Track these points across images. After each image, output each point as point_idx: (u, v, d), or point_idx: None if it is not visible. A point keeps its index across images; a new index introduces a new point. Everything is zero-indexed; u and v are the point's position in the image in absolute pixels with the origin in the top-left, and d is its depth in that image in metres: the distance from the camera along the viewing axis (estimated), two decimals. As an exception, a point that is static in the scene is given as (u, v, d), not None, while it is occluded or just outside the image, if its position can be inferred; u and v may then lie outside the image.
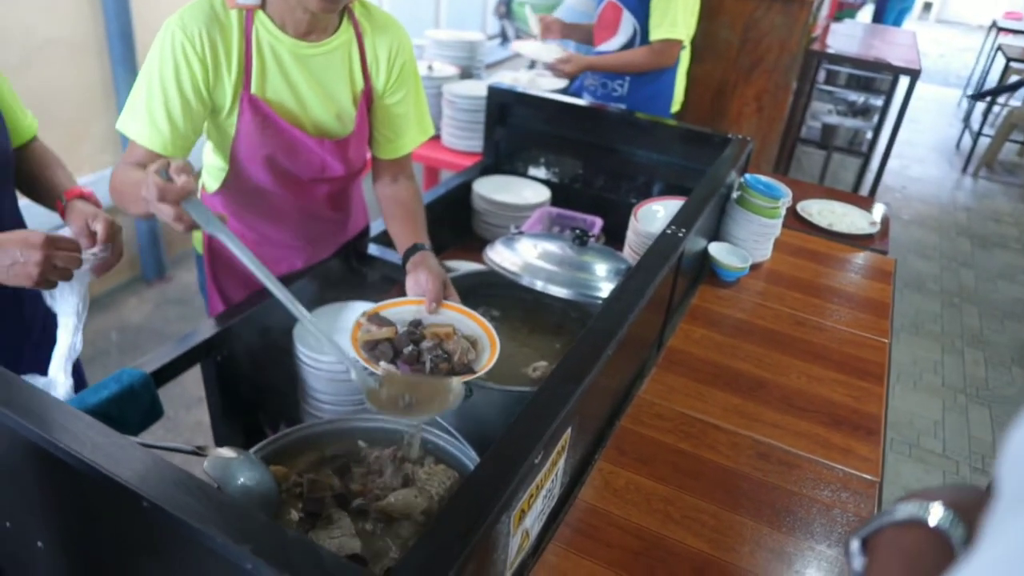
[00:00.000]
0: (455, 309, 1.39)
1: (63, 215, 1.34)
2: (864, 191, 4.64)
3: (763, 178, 1.88)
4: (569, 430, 0.98)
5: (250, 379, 1.55)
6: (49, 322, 1.31)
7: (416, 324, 1.35)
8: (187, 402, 2.72)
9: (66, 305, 1.25)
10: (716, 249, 1.80)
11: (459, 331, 1.34)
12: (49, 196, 1.38)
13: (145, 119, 1.29)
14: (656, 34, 2.61)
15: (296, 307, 1.13)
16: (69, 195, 1.34)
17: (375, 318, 1.35)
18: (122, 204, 1.28)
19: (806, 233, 2.15)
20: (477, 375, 1.21)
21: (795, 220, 2.22)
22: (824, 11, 4.25)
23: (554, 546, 1.03)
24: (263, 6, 1.33)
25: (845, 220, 2.25)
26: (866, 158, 4.79)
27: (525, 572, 0.99)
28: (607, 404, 1.27)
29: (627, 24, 2.71)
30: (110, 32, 2.99)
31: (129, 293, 3.44)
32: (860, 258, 2.04)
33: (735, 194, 1.89)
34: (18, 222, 1.41)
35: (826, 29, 4.63)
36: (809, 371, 1.50)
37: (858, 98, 5.16)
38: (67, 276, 1.19)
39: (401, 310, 1.39)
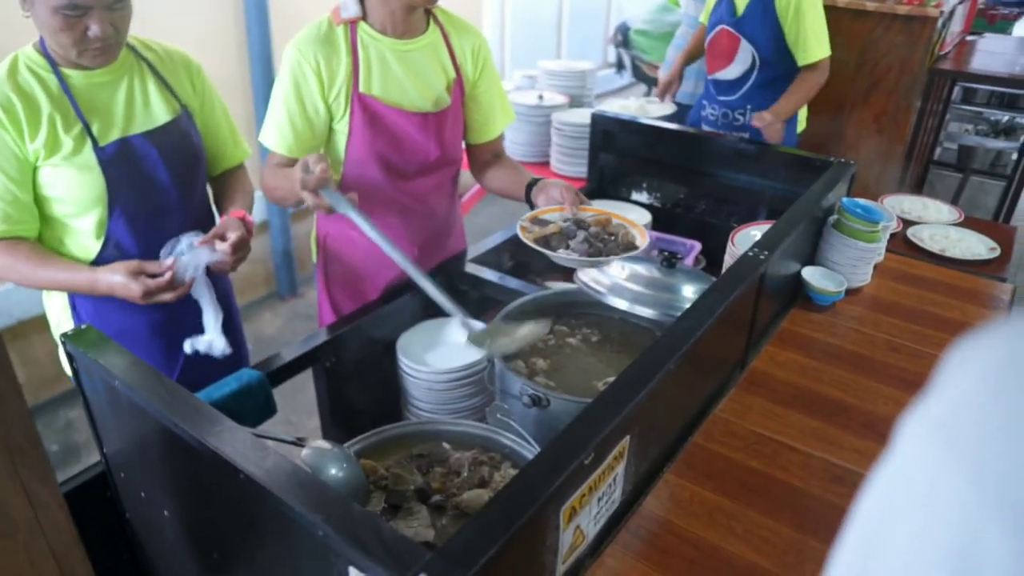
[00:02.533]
0: (593, 210, 1.66)
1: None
2: (1008, 217, 4.34)
3: (862, 202, 1.85)
4: (627, 438, 1.04)
5: (356, 384, 1.70)
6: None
7: (577, 219, 1.61)
8: (310, 409, 2.95)
9: (196, 288, 1.51)
10: (810, 273, 1.79)
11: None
12: (222, 213, 1.70)
13: (275, 130, 1.62)
14: (808, 58, 2.59)
15: (425, 283, 1.43)
16: (234, 214, 1.60)
17: (536, 221, 1.62)
18: (274, 199, 1.64)
19: (915, 258, 2.09)
20: (640, 249, 1.54)
21: (904, 245, 2.16)
22: (957, 26, 4.05)
23: (613, 549, 1.09)
24: (364, 16, 1.60)
25: (960, 245, 2.16)
26: (1010, 181, 4.49)
27: (581, 571, 1.05)
28: (678, 419, 1.31)
29: (745, 53, 2.70)
30: (254, 72, 3.31)
31: (265, 308, 3.76)
32: (975, 285, 1.95)
33: (833, 217, 1.87)
34: (207, 211, 1.75)
35: (961, 45, 4.40)
36: (899, 398, 1.47)
37: (1002, 117, 4.85)
38: (168, 292, 1.45)
39: (551, 216, 1.64)
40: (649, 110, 3.07)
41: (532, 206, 1.72)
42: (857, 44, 3.21)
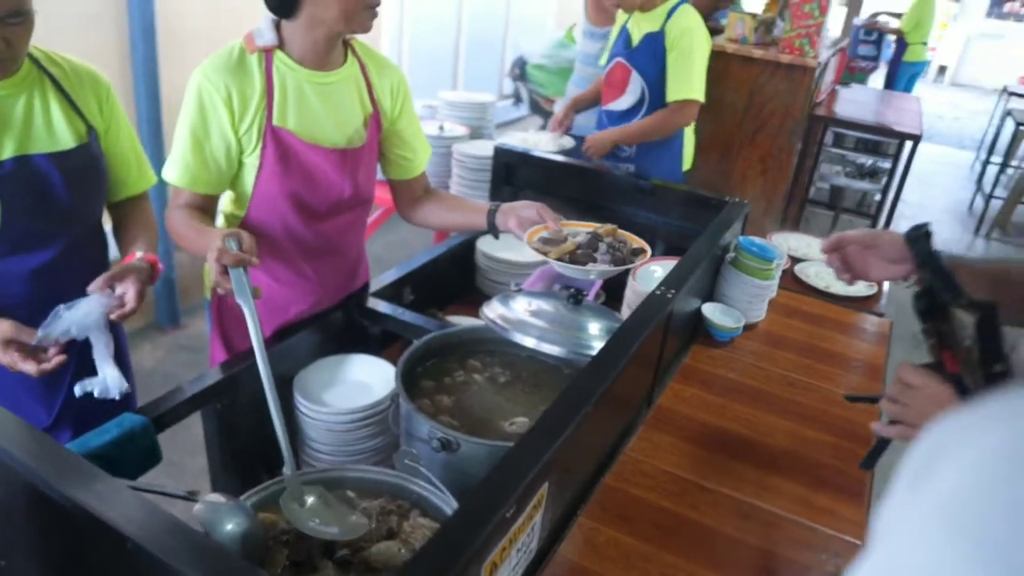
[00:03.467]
0: (573, 224, 1.69)
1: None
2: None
3: (757, 240, 1.92)
4: (546, 485, 1.01)
5: (250, 427, 1.59)
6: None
7: (591, 232, 1.64)
8: (194, 448, 2.76)
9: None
10: (709, 309, 1.84)
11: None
12: (122, 253, 1.54)
13: (180, 163, 1.48)
14: (674, 95, 2.67)
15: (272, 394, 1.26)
16: (146, 258, 1.46)
17: (542, 240, 1.61)
18: (182, 245, 1.51)
19: (803, 295, 2.19)
20: (648, 256, 1.59)
21: (793, 282, 2.26)
22: (829, 76, 4.35)
23: (530, 600, 1.05)
24: (281, 44, 1.49)
25: (841, 282, 2.27)
26: (874, 220, 4.83)
27: (499, 625, 1.00)
28: (591, 460, 1.30)
29: (635, 85, 2.79)
30: (138, 94, 3.13)
31: (143, 339, 3.52)
32: (856, 320, 2.06)
33: (730, 255, 1.93)
34: (103, 242, 1.62)
35: (832, 94, 4.73)
36: (797, 432, 1.52)
37: (867, 161, 5.23)
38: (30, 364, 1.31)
39: (544, 233, 1.63)
40: (547, 144, 3.10)
41: (495, 233, 1.71)
42: (745, 89, 3.38)
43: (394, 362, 1.48)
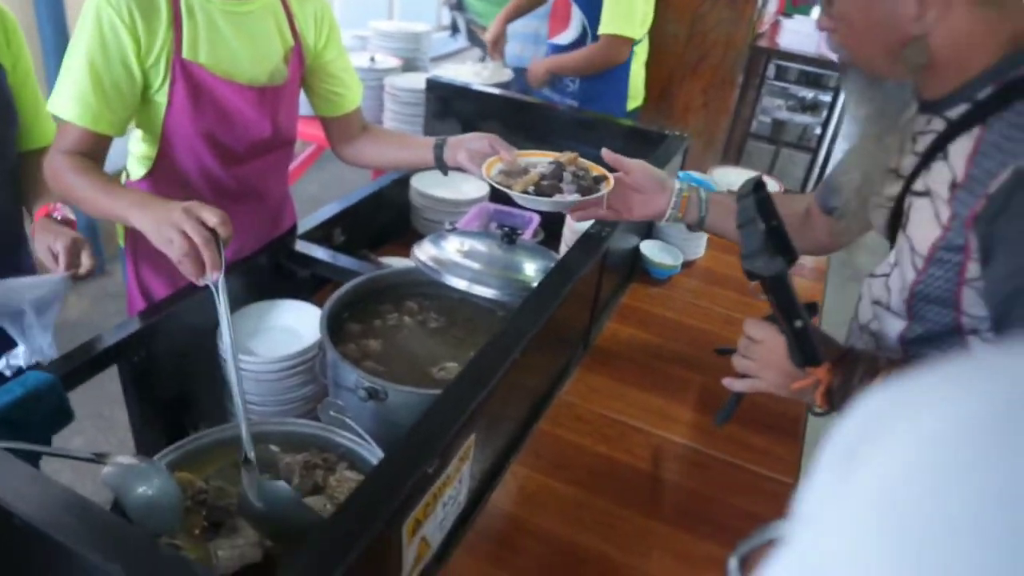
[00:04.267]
0: (528, 153, 1.54)
1: (32, 235, 1.34)
2: (812, 186, 4.71)
3: (696, 175, 1.88)
4: (473, 436, 0.97)
5: (172, 381, 1.51)
6: None
7: (553, 163, 1.50)
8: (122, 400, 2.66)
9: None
10: (648, 247, 1.80)
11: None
12: (29, 209, 1.40)
13: (75, 96, 1.28)
14: (605, 29, 2.56)
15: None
16: (38, 215, 1.34)
17: (502, 174, 1.46)
18: (74, 201, 1.30)
19: (742, 230, 2.17)
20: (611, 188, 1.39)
21: (732, 217, 2.24)
22: (772, 6, 4.29)
23: (460, 554, 1.03)
24: None
25: (781, 217, 2.27)
26: (814, 153, 4.86)
27: (428, 580, 0.98)
28: (524, 406, 1.27)
29: (576, 20, 2.69)
30: (40, 20, 2.89)
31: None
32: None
33: (669, 192, 1.89)
34: (17, 222, 1.44)
35: (775, 25, 4.67)
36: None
37: (808, 94, 5.22)
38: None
39: (500, 166, 1.49)
40: (484, 76, 2.99)
41: (444, 170, 1.60)
42: (687, 17, 3.30)
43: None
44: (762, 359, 1.04)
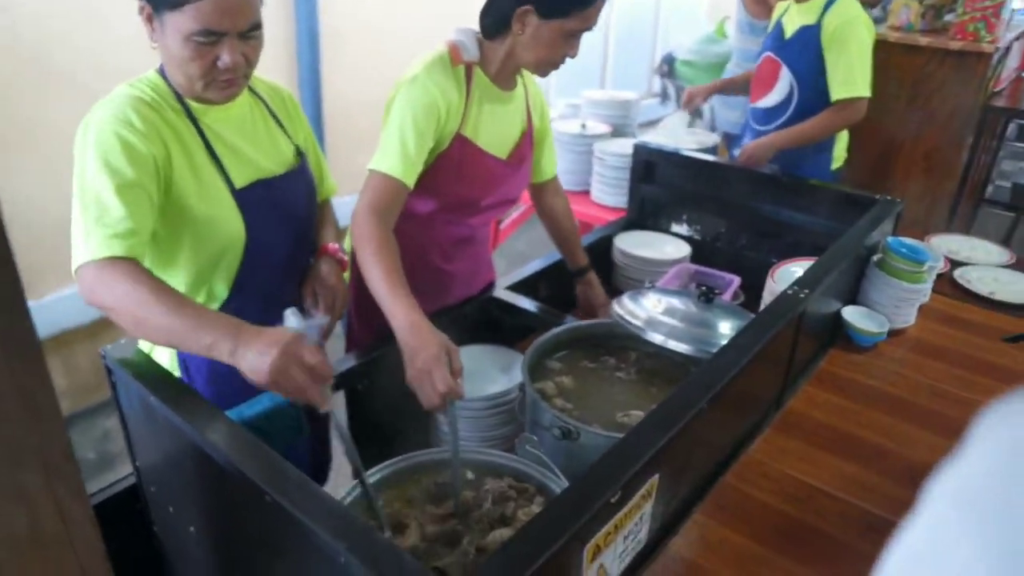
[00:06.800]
0: None
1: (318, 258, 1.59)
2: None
3: (908, 241, 1.81)
4: (656, 477, 1.02)
5: (386, 409, 1.70)
6: None
7: None
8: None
9: None
10: (851, 312, 1.75)
11: None
12: (314, 248, 1.61)
13: (399, 154, 1.51)
14: (839, 93, 2.47)
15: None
16: (319, 253, 1.57)
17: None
18: (368, 268, 1.45)
19: (962, 301, 2.03)
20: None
21: (951, 287, 2.10)
22: (1013, 62, 3.97)
23: (638, 589, 1.07)
24: (480, 61, 1.61)
25: (1011, 288, 2.09)
26: (1064, 223, 4.35)
27: (605, 610, 1.03)
28: (709, 458, 1.29)
29: (784, 81, 2.66)
30: (301, 79, 3.37)
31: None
32: (1024, 330, 1.89)
33: (876, 256, 1.83)
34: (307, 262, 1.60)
35: (1016, 81, 4.30)
36: (940, 446, 1.42)
37: (1059, 157, 4.72)
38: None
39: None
40: (688, 141, 3.05)
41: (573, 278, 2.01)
42: (908, 79, 3.16)
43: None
44: None
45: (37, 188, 2.55)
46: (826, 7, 2.52)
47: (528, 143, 1.79)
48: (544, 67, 1.59)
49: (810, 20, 2.55)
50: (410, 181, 1.53)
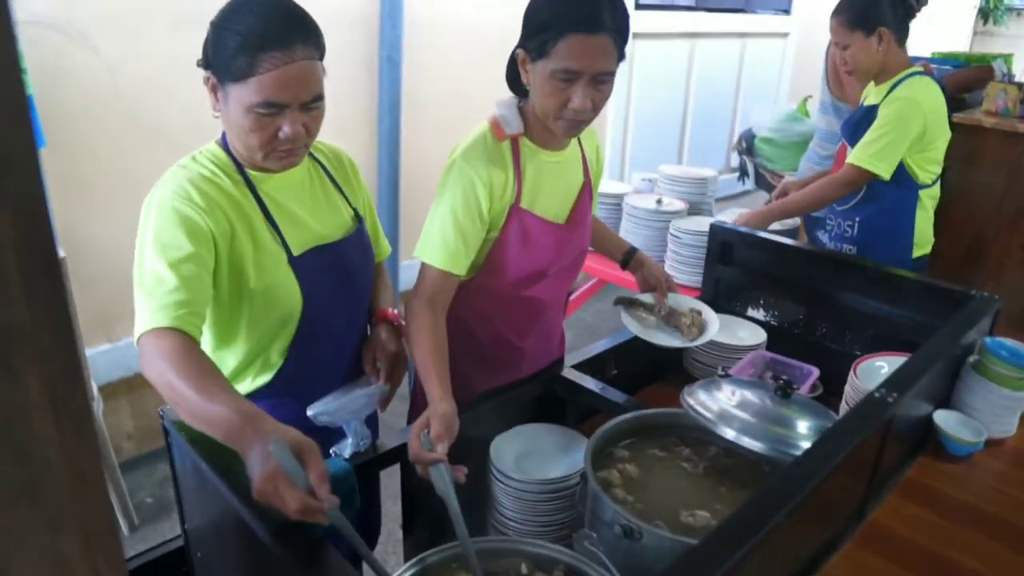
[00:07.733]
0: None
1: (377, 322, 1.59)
2: None
3: (1009, 342, 1.68)
4: (725, 595, 0.94)
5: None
6: None
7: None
8: (395, 494, 2.90)
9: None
10: (943, 418, 1.63)
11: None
12: (371, 313, 1.62)
13: (440, 245, 1.51)
14: (855, 160, 2.40)
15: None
16: (377, 318, 1.57)
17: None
18: (418, 357, 1.48)
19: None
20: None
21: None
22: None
23: None
24: (525, 130, 1.56)
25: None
26: None
27: None
28: (784, 571, 1.19)
29: None
30: (380, 161, 3.46)
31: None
32: None
33: (973, 358, 1.71)
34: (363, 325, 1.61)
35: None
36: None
37: None
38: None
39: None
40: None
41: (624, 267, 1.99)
42: (1004, 167, 3.02)
43: (590, 436, 1.46)
44: None
45: (125, 236, 2.65)
46: (893, 87, 2.44)
47: (587, 197, 1.72)
48: (551, 119, 1.46)
49: (878, 99, 2.47)
50: (456, 268, 1.52)
